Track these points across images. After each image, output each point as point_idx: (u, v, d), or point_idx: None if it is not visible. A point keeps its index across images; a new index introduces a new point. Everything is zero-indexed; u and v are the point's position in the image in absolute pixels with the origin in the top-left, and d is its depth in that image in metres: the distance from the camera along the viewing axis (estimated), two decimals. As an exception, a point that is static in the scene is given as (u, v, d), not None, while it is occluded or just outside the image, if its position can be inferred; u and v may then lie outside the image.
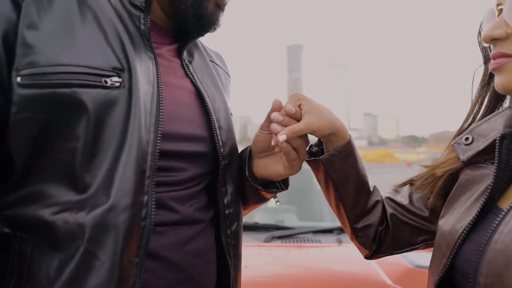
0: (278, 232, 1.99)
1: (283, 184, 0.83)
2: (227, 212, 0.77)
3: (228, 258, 0.77)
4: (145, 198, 0.59)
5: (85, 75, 0.58)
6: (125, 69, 0.61)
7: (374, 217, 0.81)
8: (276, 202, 0.85)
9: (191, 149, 0.72)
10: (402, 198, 0.82)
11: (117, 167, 0.57)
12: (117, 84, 0.60)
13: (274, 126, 0.73)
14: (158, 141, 0.62)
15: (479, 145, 0.65)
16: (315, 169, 0.81)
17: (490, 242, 0.54)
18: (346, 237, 1.90)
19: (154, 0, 0.72)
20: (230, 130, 0.79)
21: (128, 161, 0.58)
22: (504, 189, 0.60)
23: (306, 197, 2.52)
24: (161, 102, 0.64)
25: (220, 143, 0.75)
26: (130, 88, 0.60)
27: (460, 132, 0.75)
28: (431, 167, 0.76)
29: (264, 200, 0.86)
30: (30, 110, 0.56)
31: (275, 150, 0.75)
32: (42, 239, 0.57)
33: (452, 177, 0.71)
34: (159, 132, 0.62)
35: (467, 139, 0.67)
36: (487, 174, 0.63)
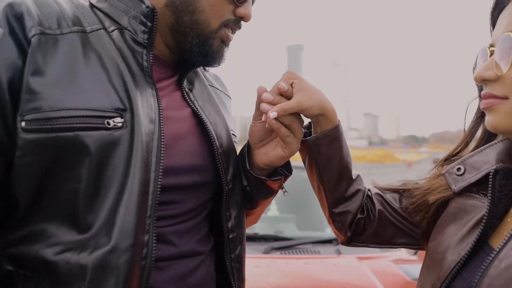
0: (277, 243, 2.01)
1: (286, 170, 0.83)
2: (231, 236, 0.78)
3: (232, 282, 0.78)
4: (146, 237, 0.60)
5: (87, 118, 0.59)
6: (128, 109, 0.62)
7: (353, 205, 0.82)
8: (284, 192, 0.86)
9: (192, 180, 0.73)
10: (392, 199, 0.83)
11: (118, 207, 0.58)
12: (120, 124, 0.60)
13: (264, 106, 0.74)
14: (159, 179, 0.63)
15: (471, 177, 0.66)
16: (300, 150, 0.83)
17: (480, 284, 0.55)
18: (345, 248, 1.91)
19: (158, 35, 0.72)
20: (232, 154, 0.80)
21: (129, 201, 0.59)
22: (496, 225, 0.61)
23: (306, 206, 2.54)
24: (162, 139, 0.65)
25: (224, 169, 0.76)
26: (132, 128, 0.61)
27: (449, 158, 0.76)
28: (422, 193, 0.76)
29: (271, 193, 0.86)
30: (34, 154, 0.57)
31: (265, 126, 0.76)
32: (45, 278, 0.58)
33: (443, 204, 0.72)
34: (160, 169, 0.63)
35: (459, 169, 0.68)
36: (478, 205, 0.64)
